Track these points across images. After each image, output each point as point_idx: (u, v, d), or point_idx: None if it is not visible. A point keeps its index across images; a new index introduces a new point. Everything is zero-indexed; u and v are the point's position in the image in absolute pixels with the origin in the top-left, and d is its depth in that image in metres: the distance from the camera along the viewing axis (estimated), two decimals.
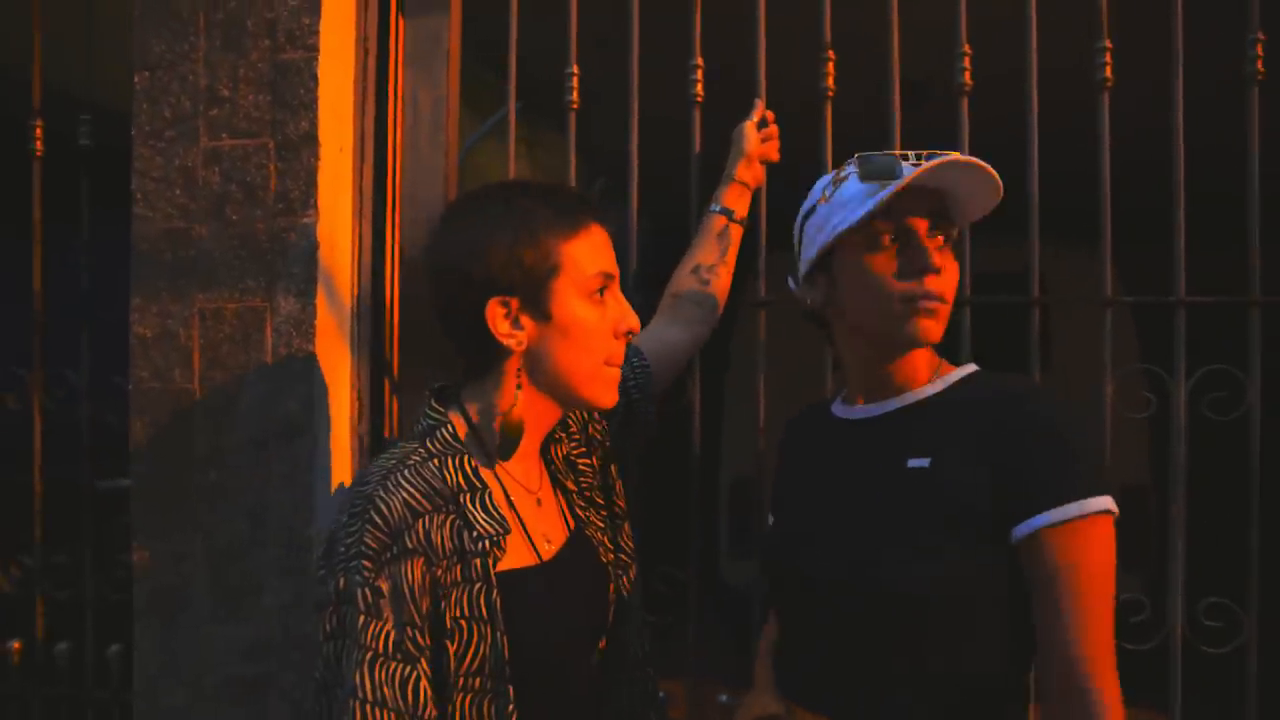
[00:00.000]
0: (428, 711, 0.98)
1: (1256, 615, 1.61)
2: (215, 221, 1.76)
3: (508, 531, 1.10)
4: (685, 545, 1.79)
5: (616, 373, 1.17)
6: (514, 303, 1.11)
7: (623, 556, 1.28)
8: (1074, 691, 1.03)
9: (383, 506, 1.02)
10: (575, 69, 1.81)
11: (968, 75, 1.67)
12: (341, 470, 1.81)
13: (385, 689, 0.96)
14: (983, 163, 1.13)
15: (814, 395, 1.53)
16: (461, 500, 1.08)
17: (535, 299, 1.11)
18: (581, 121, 1.84)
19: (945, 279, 1.17)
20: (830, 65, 1.71)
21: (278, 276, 1.75)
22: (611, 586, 1.26)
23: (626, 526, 1.31)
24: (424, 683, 0.98)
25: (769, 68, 1.74)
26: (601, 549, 1.26)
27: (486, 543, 1.07)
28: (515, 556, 1.12)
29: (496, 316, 1.12)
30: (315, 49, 1.73)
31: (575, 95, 1.81)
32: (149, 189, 1.78)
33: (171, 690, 1.77)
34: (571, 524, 1.25)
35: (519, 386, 1.14)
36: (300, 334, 1.74)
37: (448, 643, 1.02)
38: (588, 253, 1.12)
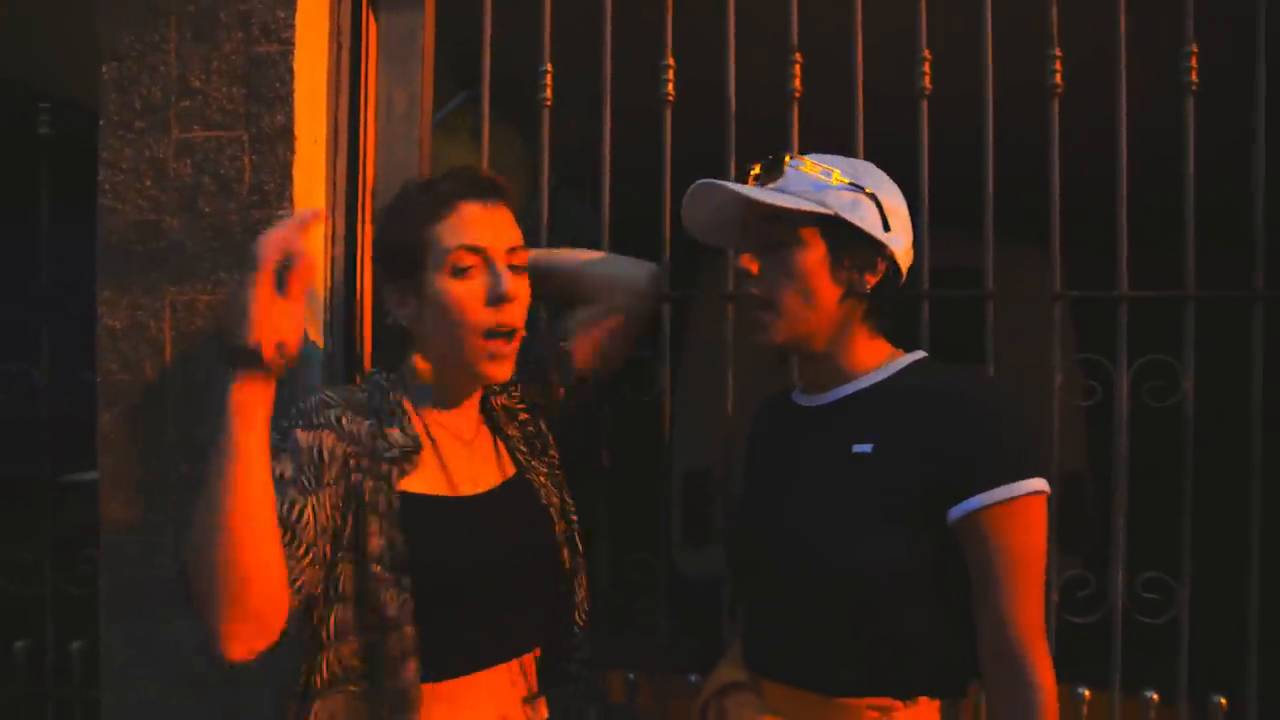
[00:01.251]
0: (305, 529, 1.14)
1: (1189, 587, 1.73)
2: (187, 214, 1.76)
3: (417, 449, 1.24)
4: (649, 535, 1.83)
5: (502, 345, 1.26)
6: (399, 285, 1.30)
7: (569, 502, 1.41)
8: (1010, 659, 1.15)
9: (303, 404, 1.25)
10: (549, 66, 1.84)
11: (927, 80, 1.76)
12: None
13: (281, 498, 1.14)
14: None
15: (771, 386, 1.59)
16: (380, 417, 1.25)
17: (410, 280, 1.28)
18: (534, 117, 1.87)
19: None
20: (798, 68, 1.77)
21: (251, 269, 1.74)
22: (561, 526, 1.36)
23: (563, 479, 1.44)
24: (309, 511, 1.15)
25: (736, 69, 1.80)
26: (544, 491, 1.38)
27: (396, 451, 1.23)
28: (427, 484, 1.26)
29: (392, 299, 1.33)
30: (290, 43, 1.73)
31: (549, 92, 1.85)
32: (117, 181, 1.77)
33: (141, 684, 1.77)
34: (511, 470, 1.38)
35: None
36: None
37: (354, 514, 1.18)
38: (449, 232, 1.24)
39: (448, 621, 1.22)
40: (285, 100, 1.74)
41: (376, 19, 1.87)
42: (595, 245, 1.72)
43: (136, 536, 1.76)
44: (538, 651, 1.37)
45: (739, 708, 1.31)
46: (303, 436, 1.20)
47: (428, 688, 1.20)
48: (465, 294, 1.24)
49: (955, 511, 1.15)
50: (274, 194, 1.74)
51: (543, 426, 1.46)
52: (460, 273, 1.24)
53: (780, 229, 1.25)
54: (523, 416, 1.44)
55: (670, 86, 1.80)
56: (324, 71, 1.83)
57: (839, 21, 1.74)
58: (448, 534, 1.25)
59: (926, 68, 1.74)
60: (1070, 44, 1.76)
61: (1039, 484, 1.15)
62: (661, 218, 1.80)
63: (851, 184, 1.26)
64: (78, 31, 1.94)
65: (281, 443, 1.19)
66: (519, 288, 1.27)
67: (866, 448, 1.20)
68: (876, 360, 1.29)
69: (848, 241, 1.25)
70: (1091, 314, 1.94)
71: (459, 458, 1.31)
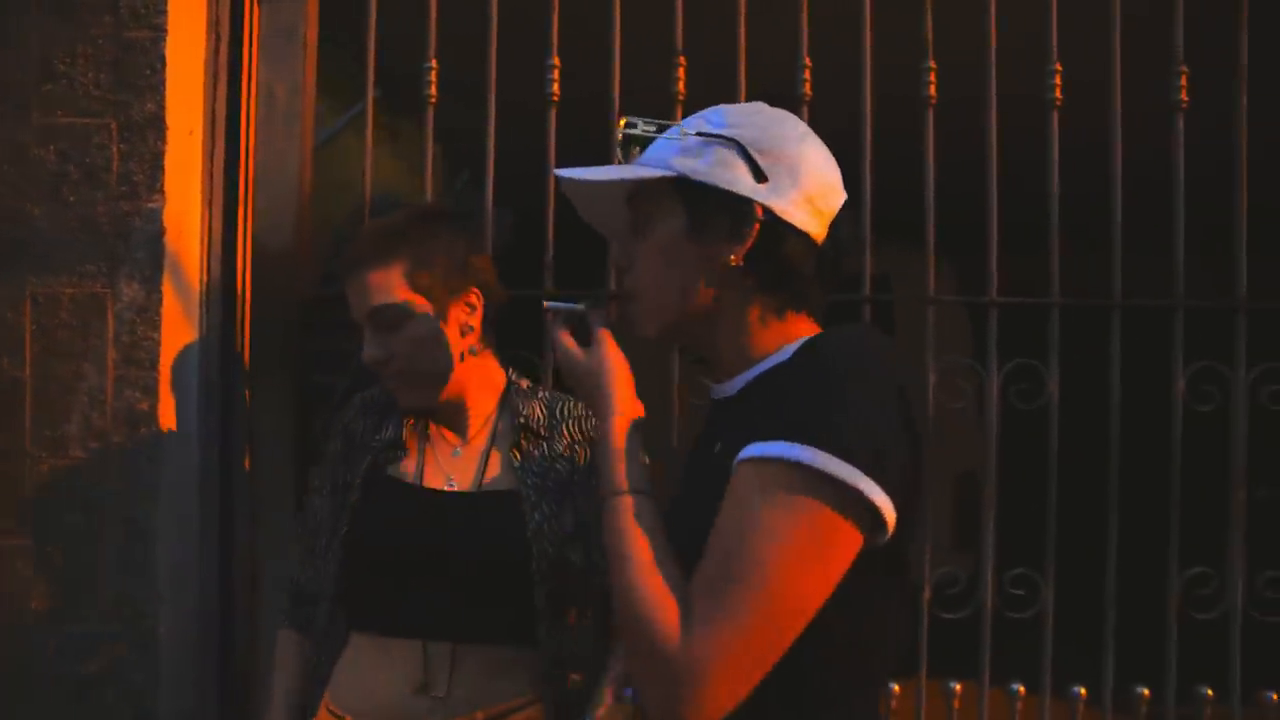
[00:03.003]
0: (313, 526, 1.48)
1: (1054, 584, 1.80)
2: (51, 202, 1.69)
3: (392, 446, 1.43)
4: None
5: (396, 384, 1.42)
6: None
7: (559, 519, 1.42)
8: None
9: (349, 403, 1.51)
10: (434, 63, 1.83)
11: (808, 87, 1.79)
12: (186, 461, 1.77)
13: (307, 500, 1.52)
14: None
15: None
16: (389, 418, 1.46)
17: None
18: (445, 113, 1.86)
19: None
20: (681, 70, 1.79)
21: (120, 262, 1.69)
22: (530, 531, 1.37)
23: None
24: (313, 510, 1.49)
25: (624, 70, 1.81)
26: (530, 495, 1.40)
27: (379, 444, 1.43)
28: (403, 472, 1.43)
29: None
30: (163, 29, 1.68)
31: (434, 90, 1.83)
32: None
33: None
34: (501, 479, 1.42)
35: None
36: (145, 321, 1.69)
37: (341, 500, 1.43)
38: (348, 300, 1.40)
39: (369, 585, 1.39)
40: (156, 88, 1.68)
41: (259, 8, 1.83)
42: (500, 242, 1.72)
43: None
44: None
45: None
46: (329, 444, 1.49)
47: (353, 638, 1.40)
48: (365, 348, 1.41)
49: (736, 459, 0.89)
50: (144, 185, 1.69)
51: (581, 453, 1.47)
52: (361, 331, 1.41)
53: (638, 208, 1.04)
54: (543, 433, 1.45)
55: (555, 86, 1.80)
56: (200, 60, 1.78)
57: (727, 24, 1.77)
58: (390, 514, 1.40)
59: (807, 74, 1.78)
60: (948, 52, 1.82)
61: (814, 457, 0.83)
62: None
63: (700, 134, 1.00)
64: None
65: (324, 453, 1.50)
66: (393, 344, 1.38)
67: (719, 445, 0.96)
68: (777, 344, 1.00)
69: (711, 207, 0.98)
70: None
71: (443, 456, 1.43)
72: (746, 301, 1.00)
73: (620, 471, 0.95)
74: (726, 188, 0.97)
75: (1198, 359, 1.80)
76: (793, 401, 0.87)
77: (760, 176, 0.97)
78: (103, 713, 1.67)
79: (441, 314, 1.38)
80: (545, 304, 1.09)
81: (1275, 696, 1.83)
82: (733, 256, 0.97)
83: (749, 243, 0.97)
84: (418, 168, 1.92)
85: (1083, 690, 1.82)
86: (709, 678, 0.81)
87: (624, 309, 1.09)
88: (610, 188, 1.05)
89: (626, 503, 0.92)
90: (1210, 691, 1.80)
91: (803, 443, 0.83)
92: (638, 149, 1.04)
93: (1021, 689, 1.84)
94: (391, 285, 1.35)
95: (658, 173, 0.99)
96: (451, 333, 1.39)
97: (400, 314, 1.35)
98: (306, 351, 1.89)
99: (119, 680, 1.68)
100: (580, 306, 1.07)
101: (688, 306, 1.01)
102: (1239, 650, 1.80)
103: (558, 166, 1.79)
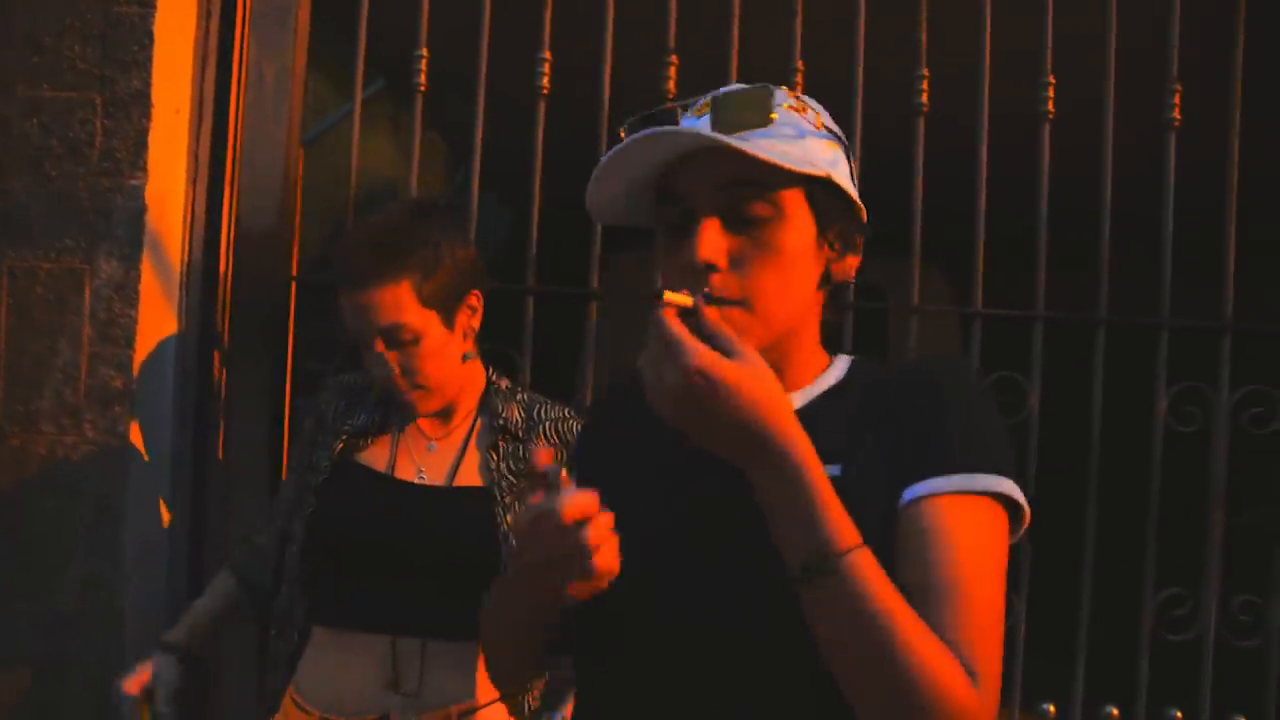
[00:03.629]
0: (282, 507, 1.47)
1: (1026, 598, 1.79)
2: (32, 176, 1.68)
3: (363, 433, 1.42)
4: None
5: (409, 396, 1.37)
6: None
7: None
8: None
9: (326, 384, 1.51)
10: (424, 51, 1.82)
11: (799, 90, 1.78)
12: (159, 441, 1.76)
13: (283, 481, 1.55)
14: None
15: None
16: (361, 404, 1.44)
17: None
18: (449, 106, 1.85)
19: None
20: (672, 69, 1.78)
21: (100, 238, 1.68)
22: (501, 530, 1.36)
23: None
24: (288, 485, 1.49)
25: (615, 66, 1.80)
26: (505, 496, 1.39)
27: (349, 428, 1.42)
28: (372, 459, 1.42)
29: None
30: (151, 4, 1.67)
31: (423, 79, 1.82)
32: None
33: None
34: (474, 476, 1.41)
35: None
36: (122, 299, 1.68)
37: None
38: (343, 313, 1.36)
39: (330, 578, 1.38)
40: (143, 65, 1.67)
41: None
42: (498, 237, 1.71)
43: None
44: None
45: None
46: (304, 423, 1.49)
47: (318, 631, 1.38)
48: (368, 363, 1.37)
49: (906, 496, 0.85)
50: (126, 161, 1.68)
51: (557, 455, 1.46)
52: (361, 346, 1.36)
53: (752, 195, 0.86)
54: (520, 435, 1.43)
55: (545, 80, 1.79)
56: (190, 39, 1.77)
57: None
58: (357, 502, 1.38)
59: (799, 79, 1.77)
60: (937, 63, 1.81)
61: (1001, 484, 0.84)
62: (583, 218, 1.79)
63: (829, 129, 0.90)
64: None
65: (297, 434, 1.53)
66: (404, 359, 1.34)
67: (833, 469, 0.85)
68: (821, 363, 0.97)
69: (832, 208, 0.90)
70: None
71: (416, 449, 1.42)
72: (814, 317, 0.94)
73: (844, 522, 0.76)
74: (853, 195, 0.90)
75: (1181, 379, 1.79)
76: (961, 432, 0.85)
77: (854, 182, 0.92)
78: (67, 693, 1.66)
79: (449, 322, 1.36)
80: (663, 294, 0.81)
81: None
82: (848, 270, 0.92)
83: (860, 258, 0.93)
84: (421, 158, 1.91)
85: (1051, 707, 1.81)
86: (994, 713, 0.80)
87: (727, 315, 0.87)
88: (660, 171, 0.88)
89: (866, 558, 0.76)
90: (1180, 714, 1.80)
91: (990, 472, 0.83)
92: (750, 120, 0.86)
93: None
94: (401, 302, 1.30)
95: (818, 170, 0.86)
96: (457, 339, 1.38)
97: (413, 331, 1.32)
98: (297, 338, 1.88)
99: (83, 660, 1.66)
100: (693, 299, 0.83)
101: (793, 321, 0.91)
102: (1210, 673, 1.79)
103: (546, 161, 1.82)
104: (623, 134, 0.87)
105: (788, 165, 0.83)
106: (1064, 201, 1.94)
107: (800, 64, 1.79)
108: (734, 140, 0.83)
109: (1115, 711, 1.80)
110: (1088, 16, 1.79)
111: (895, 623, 0.74)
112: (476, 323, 1.41)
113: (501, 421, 1.41)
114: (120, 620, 1.68)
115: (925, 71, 1.79)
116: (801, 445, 0.77)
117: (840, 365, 0.96)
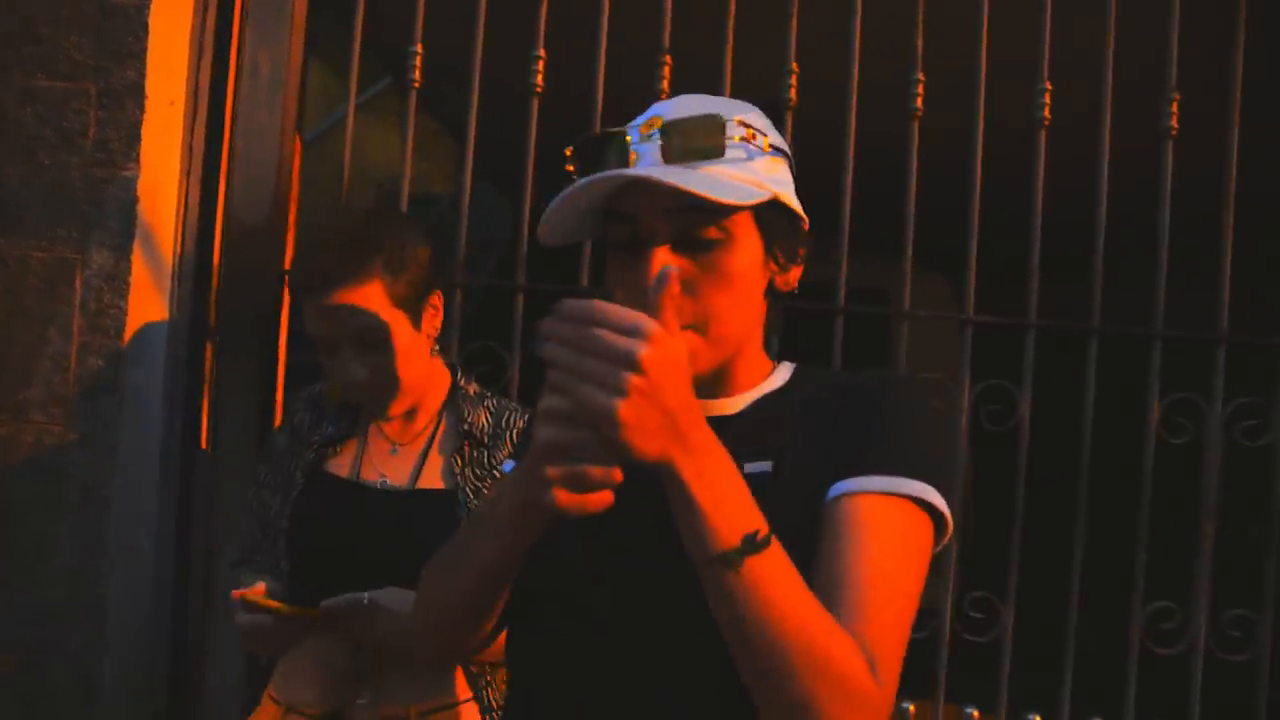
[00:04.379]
0: (256, 519, 1.46)
1: (1014, 607, 1.78)
2: (25, 164, 1.69)
3: (331, 442, 1.41)
4: None
5: (371, 398, 1.36)
6: None
7: None
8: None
9: (298, 396, 1.49)
10: (419, 47, 1.82)
11: (793, 93, 1.78)
12: (149, 430, 1.76)
13: (252, 494, 1.49)
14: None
15: None
16: (329, 414, 1.44)
17: None
18: (453, 99, 1.85)
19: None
20: (666, 70, 1.78)
21: (92, 228, 1.69)
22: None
23: None
24: (261, 503, 1.46)
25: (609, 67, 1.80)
26: (469, 500, 1.38)
27: (319, 439, 1.42)
28: (339, 467, 1.41)
29: None
30: None
31: (418, 74, 1.82)
32: None
33: None
34: (437, 479, 1.40)
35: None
36: (113, 289, 1.69)
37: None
38: (309, 319, 1.32)
39: (303, 577, 1.37)
40: (138, 56, 1.68)
41: None
42: (503, 233, 1.71)
43: None
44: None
45: None
46: (277, 437, 1.48)
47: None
48: (334, 370, 1.34)
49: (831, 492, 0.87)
50: (120, 152, 1.69)
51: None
52: (326, 353, 1.34)
53: (702, 221, 0.86)
54: (482, 439, 1.41)
55: (540, 78, 1.79)
56: (186, 30, 1.77)
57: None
58: (322, 509, 1.38)
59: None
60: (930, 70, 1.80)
61: (925, 491, 0.86)
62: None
63: (775, 147, 0.90)
64: None
65: (269, 446, 1.50)
66: (373, 363, 1.31)
67: (764, 466, 0.90)
68: (764, 368, 0.99)
69: (778, 226, 0.91)
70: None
71: (378, 453, 1.41)
72: (760, 325, 0.96)
73: (755, 510, 0.76)
74: (796, 209, 0.91)
75: (1173, 390, 1.78)
76: (895, 438, 0.87)
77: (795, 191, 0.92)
78: (48, 681, 1.67)
79: (417, 323, 1.34)
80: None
81: None
82: (791, 281, 0.94)
83: (801, 268, 0.94)
84: (428, 153, 1.91)
85: (1037, 717, 1.80)
86: (891, 706, 0.81)
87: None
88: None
89: (776, 546, 0.75)
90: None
91: (916, 478, 0.85)
92: (701, 151, 0.87)
93: (975, 713, 1.82)
94: (371, 303, 1.28)
95: (765, 193, 0.87)
96: (423, 340, 1.36)
97: (384, 332, 1.30)
98: (289, 331, 1.88)
99: (68, 648, 1.67)
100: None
101: (743, 338, 0.92)
102: (1199, 687, 1.77)
103: (547, 158, 1.81)
104: (569, 154, 0.88)
105: (735, 201, 0.84)
106: (1068, 208, 1.93)
107: (795, 66, 1.78)
108: (684, 173, 0.83)
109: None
110: (1086, 24, 1.78)
111: (803, 612, 0.75)
112: (439, 323, 1.40)
113: (467, 426, 1.39)
114: (104, 609, 1.68)
115: (921, 76, 1.78)
116: (697, 419, 0.74)
117: (783, 372, 0.98)
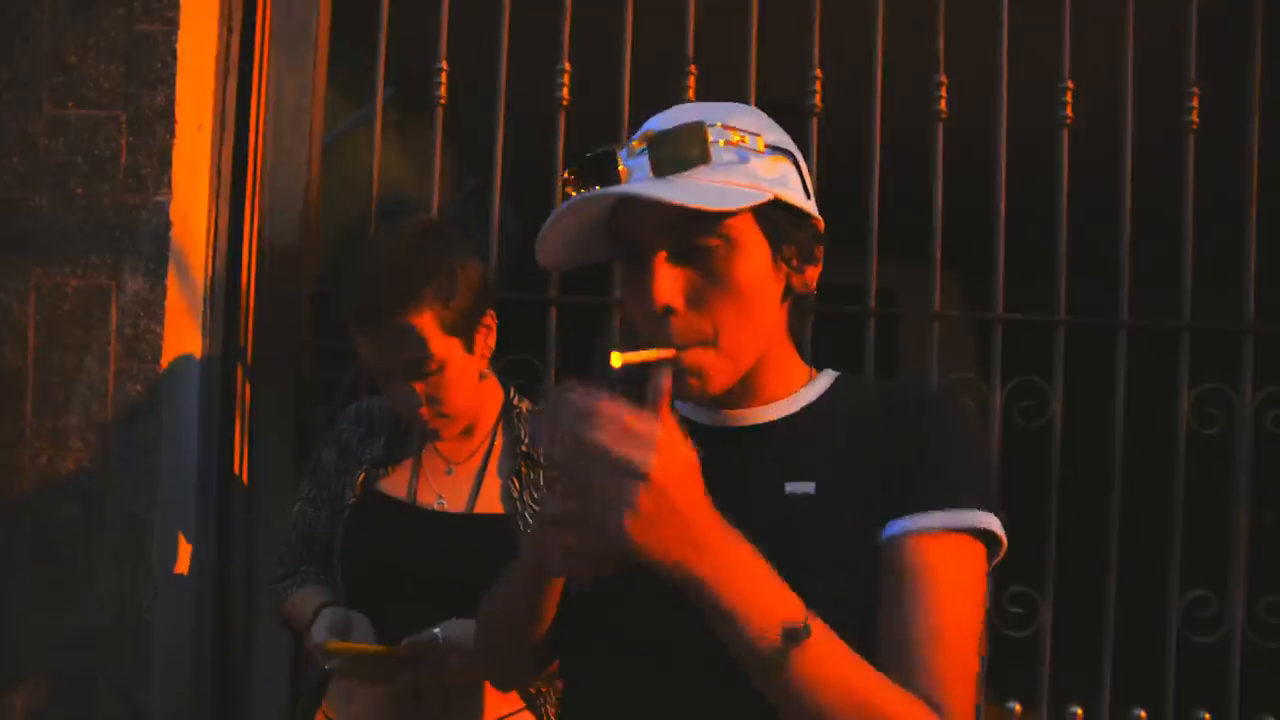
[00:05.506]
0: (299, 534, 1.48)
1: (1052, 602, 1.79)
2: (57, 193, 1.69)
3: (384, 463, 1.41)
4: None
5: (433, 424, 1.35)
6: None
7: None
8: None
9: (343, 413, 1.50)
10: (444, 64, 1.83)
11: (818, 99, 1.79)
12: (186, 455, 1.77)
13: (295, 510, 1.49)
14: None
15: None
16: (378, 431, 1.43)
17: None
18: (458, 115, 1.86)
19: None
20: (691, 80, 1.79)
21: (125, 254, 1.69)
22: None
23: None
24: (304, 519, 1.47)
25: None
26: (528, 525, 1.37)
27: (368, 458, 1.41)
28: (393, 487, 1.40)
29: None
30: (174, 23, 1.69)
31: (444, 90, 1.83)
32: None
33: None
34: (495, 502, 1.39)
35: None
36: (149, 314, 1.69)
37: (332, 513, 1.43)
38: (360, 348, 1.32)
39: (360, 599, 1.37)
40: (167, 82, 1.68)
41: (271, 3, 1.83)
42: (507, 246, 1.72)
43: None
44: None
45: None
46: (323, 453, 1.47)
47: None
48: (389, 396, 1.35)
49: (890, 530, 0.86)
50: (151, 178, 1.69)
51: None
52: (380, 379, 1.34)
53: (698, 229, 0.84)
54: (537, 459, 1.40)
55: (565, 91, 1.80)
56: (211, 54, 1.78)
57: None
58: (380, 531, 1.37)
59: (818, 85, 1.77)
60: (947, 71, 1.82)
61: (990, 522, 0.85)
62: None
63: (772, 146, 0.88)
64: None
65: (313, 461, 1.49)
66: (429, 390, 1.31)
67: (807, 487, 0.88)
68: (800, 378, 0.96)
69: (784, 226, 0.88)
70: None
71: (434, 473, 1.40)
72: (782, 329, 0.93)
73: (788, 597, 0.73)
74: (804, 208, 0.88)
75: (1203, 381, 1.79)
76: (945, 465, 0.85)
77: (808, 192, 0.90)
78: (95, 706, 1.67)
79: (470, 346, 1.33)
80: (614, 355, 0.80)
81: None
82: (807, 283, 0.91)
83: (819, 268, 0.91)
84: (426, 167, 1.91)
85: (1079, 710, 1.81)
86: None
87: (684, 358, 0.85)
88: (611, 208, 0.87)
89: (820, 629, 0.73)
90: (1208, 715, 1.79)
91: (977, 508, 0.84)
92: (686, 159, 0.85)
93: (1018, 707, 1.82)
94: (425, 333, 1.26)
95: (763, 194, 0.84)
96: (477, 361, 1.35)
97: (438, 361, 1.27)
98: (313, 348, 1.88)
99: (112, 673, 1.67)
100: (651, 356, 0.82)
101: (761, 346, 0.89)
102: (1239, 674, 1.78)
103: (557, 172, 1.81)
104: (567, 175, 0.88)
105: (720, 207, 0.81)
106: (1085, 205, 1.94)
107: (819, 72, 1.79)
108: (669, 185, 0.82)
109: (1144, 714, 1.79)
110: (1105, 21, 1.79)
111: (862, 688, 0.74)
112: (492, 341, 1.38)
113: (525, 448, 1.39)
114: (149, 634, 1.68)
115: (944, 79, 1.80)
116: (712, 517, 0.72)
117: (822, 382, 0.95)
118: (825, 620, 0.74)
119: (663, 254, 0.84)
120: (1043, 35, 1.78)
